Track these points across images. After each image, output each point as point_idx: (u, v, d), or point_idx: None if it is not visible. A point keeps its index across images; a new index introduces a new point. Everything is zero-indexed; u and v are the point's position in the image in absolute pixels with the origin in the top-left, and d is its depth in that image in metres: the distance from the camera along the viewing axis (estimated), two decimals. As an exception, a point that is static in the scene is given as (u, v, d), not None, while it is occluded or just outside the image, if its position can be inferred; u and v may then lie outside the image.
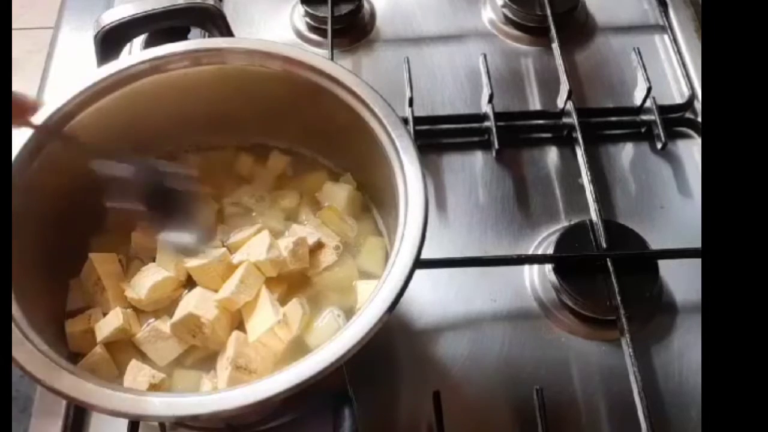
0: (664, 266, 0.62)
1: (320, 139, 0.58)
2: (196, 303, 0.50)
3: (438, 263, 0.61)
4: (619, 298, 0.59)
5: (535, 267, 0.64)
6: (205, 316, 0.50)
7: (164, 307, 0.53)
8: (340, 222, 0.56)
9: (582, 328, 0.61)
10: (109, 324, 0.50)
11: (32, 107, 0.48)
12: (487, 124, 0.72)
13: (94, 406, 0.40)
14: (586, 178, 0.68)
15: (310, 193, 0.58)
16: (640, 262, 0.62)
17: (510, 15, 0.82)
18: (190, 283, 0.54)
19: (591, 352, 0.60)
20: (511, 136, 0.72)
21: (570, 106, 0.72)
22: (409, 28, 0.83)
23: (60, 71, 0.78)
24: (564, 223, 0.67)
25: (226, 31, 0.66)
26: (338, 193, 0.57)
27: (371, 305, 0.43)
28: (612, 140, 0.74)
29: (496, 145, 0.70)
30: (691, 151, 0.73)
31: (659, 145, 0.72)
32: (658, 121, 0.71)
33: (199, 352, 0.51)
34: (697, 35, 0.80)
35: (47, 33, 0.83)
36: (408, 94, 0.71)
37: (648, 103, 0.73)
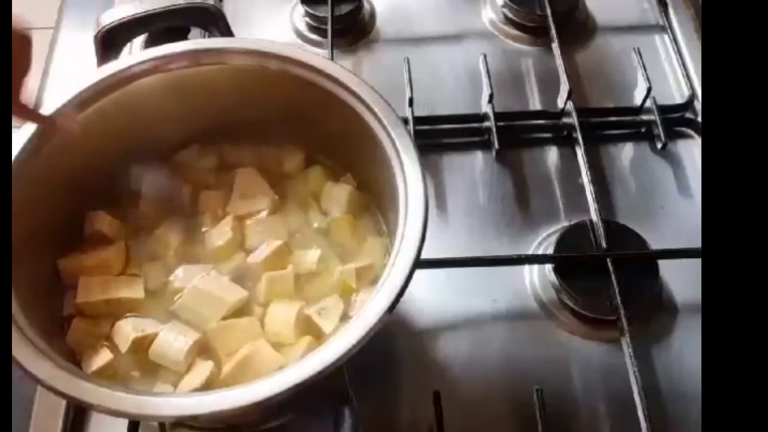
0: (664, 266, 0.62)
1: (320, 138, 0.58)
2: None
3: (438, 263, 0.61)
4: (619, 298, 0.59)
5: (535, 267, 0.64)
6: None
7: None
8: (350, 236, 0.56)
9: (582, 328, 0.61)
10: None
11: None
12: (487, 124, 0.72)
13: (94, 406, 0.40)
14: (586, 178, 0.68)
15: (312, 193, 0.58)
16: (640, 262, 0.62)
17: (510, 15, 0.82)
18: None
19: (591, 352, 0.60)
20: (511, 136, 0.72)
21: (570, 106, 0.72)
22: (409, 28, 0.83)
23: (60, 71, 0.78)
24: (564, 223, 0.67)
25: (226, 31, 0.66)
26: (338, 193, 0.57)
27: (371, 305, 0.43)
28: (612, 140, 0.74)
29: (496, 145, 0.70)
30: (691, 151, 0.73)
31: (659, 145, 0.72)
32: (658, 121, 0.71)
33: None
34: (697, 35, 0.80)
35: (47, 33, 0.83)
36: (408, 94, 0.71)
37: (648, 103, 0.73)
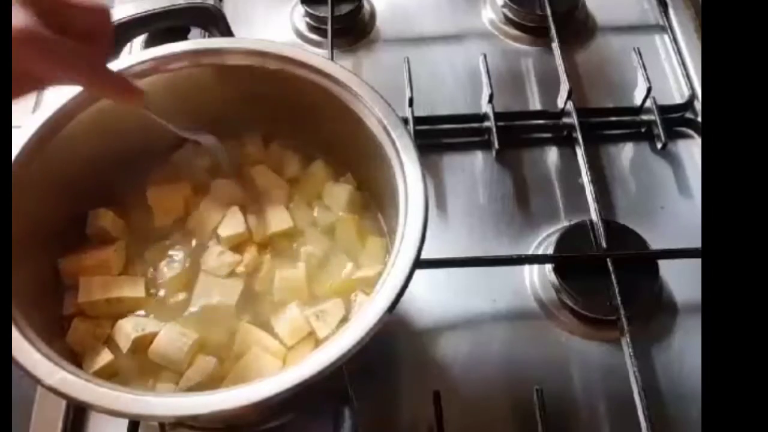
0: (664, 266, 0.62)
1: (320, 138, 0.58)
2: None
3: (438, 263, 0.61)
4: (619, 298, 0.59)
5: (535, 267, 0.64)
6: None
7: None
8: (356, 236, 0.55)
9: (582, 328, 0.61)
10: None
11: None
12: (487, 124, 0.72)
13: (93, 405, 0.40)
14: (586, 178, 0.68)
15: (311, 193, 0.58)
16: (640, 262, 0.62)
17: (510, 15, 0.82)
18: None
19: (591, 352, 0.60)
20: (511, 136, 0.72)
21: (570, 106, 0.72)
22: (409, 28, 0.83)
23: (60, 71, 0.78)
24: (564, 223, 0.67)
25: (226, 31, 0.66)
26: (339, 193, 0.57)
27: (371, 305, 0.43)
28: (612, 140, 0.74)
29: (496, 145, 0.70)
30: (691, 151, 0.73)
31: (659, 145, 0.72)
32: (658, 121, 0.71)
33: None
34: (697, 35, 0.80)
35: (47, 33, 0.83)
36: (408, 94, 0.71)
37: (648, 103, 0.73)
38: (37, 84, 0.43)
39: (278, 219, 0.55)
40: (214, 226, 0.55)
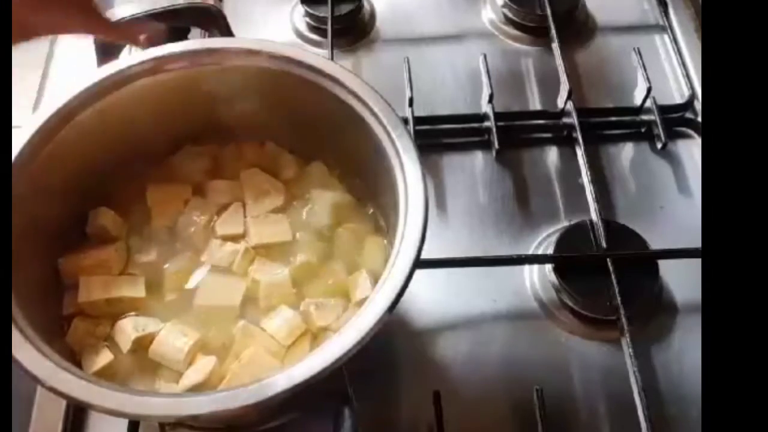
0: (664, 266, 0.62)
1: (320, 138, 0.58)
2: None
3: (438, 263, 0.61)
4: (619, 298, 0.59)
5: (535, 267, 0.64)
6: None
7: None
8: (354, 240, 0.55)
9: (582, 328, 0.61)
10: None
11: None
12: (487, 124, 0.72)
13: (94, 406, 0.40)
14: (586, 178, 0.68)
15: (307, 196, 0.58)
16: (640, 262, 0.62)
17: (510, 15, 0.82)
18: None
19: (591, 352, 0.60)
20: (511, 136, 0.72)
21: (570, 106, 0.72)
22: (409, 28, 0.83)
23: (60, 71, 0.78)
24: (564, 223, 0.67)
25: (226, 31, 0.66)
26: (327, 199, 0.56)
27: (371, 305, 0.43)
28: (612, 140, 0.74)
29: (496, 145, 0.70)
30: (691, 151, 0.73)
31: (659, 145, 0.72)
32: (658, 121, 0.71)
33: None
34: (697, 35, 0.80)
35: (47, 33, 0.83)
36: (408, 94, 0.71)
37: (648, 103, 0.73)
38: (33, 34, 0.44)
39: (276, 230, 0.55)
40: (213, 225, 0.55)
